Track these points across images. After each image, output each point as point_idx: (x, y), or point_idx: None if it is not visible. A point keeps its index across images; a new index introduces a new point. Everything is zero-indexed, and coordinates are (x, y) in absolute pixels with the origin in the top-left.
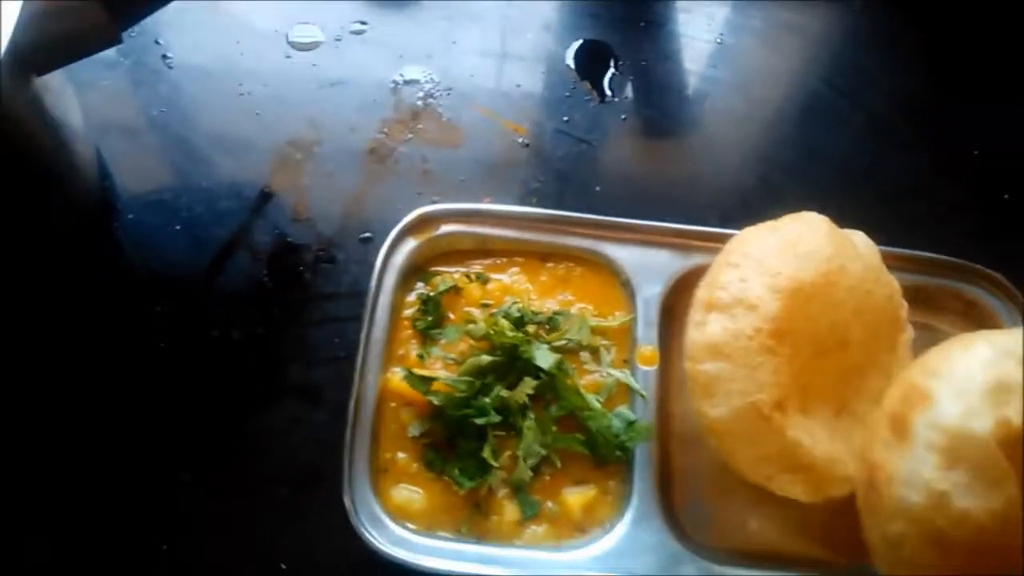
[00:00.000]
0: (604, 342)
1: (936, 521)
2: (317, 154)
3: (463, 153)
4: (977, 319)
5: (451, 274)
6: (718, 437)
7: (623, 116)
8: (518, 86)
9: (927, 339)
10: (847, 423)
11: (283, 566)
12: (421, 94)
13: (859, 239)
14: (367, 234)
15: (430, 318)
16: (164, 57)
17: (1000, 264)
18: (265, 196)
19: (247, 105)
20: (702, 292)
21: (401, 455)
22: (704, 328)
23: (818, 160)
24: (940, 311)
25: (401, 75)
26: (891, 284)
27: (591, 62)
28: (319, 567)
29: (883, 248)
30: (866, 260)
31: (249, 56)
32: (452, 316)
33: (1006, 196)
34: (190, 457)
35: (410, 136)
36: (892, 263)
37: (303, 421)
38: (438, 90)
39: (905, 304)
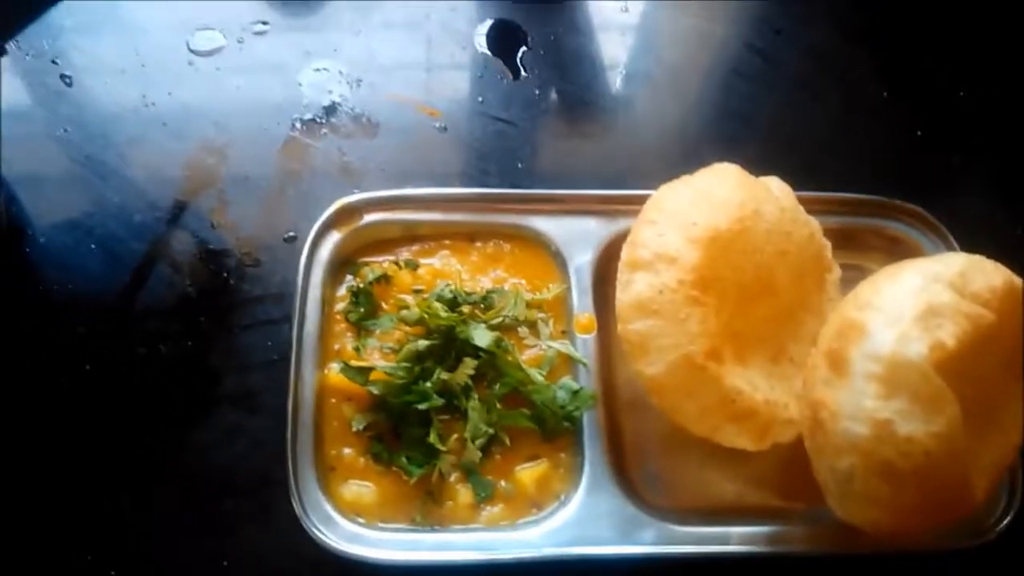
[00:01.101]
0: (541, 315)
1: (883, 451)
2: (230, 158)
3: (380, 142)
4: (902, 253)
5: (380, 263)
6: (659, 395)
7: (537, 91)
8: (429, 71)
9: (856, 278)
10: (786, 367)
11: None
12: (331, 88)
13: (773, 183)
14: (290, 233)
15: (362, 309)
16: (63, 77)
17: (920, 197)
18: (180, 205)
19: (153, 116)
20: (625, 253)
21: (347, 451)
22: (630, 288)
23: (736, 117)
24: (866, 249)
25: (309, 72)
26: (810, 224)
27: (501, 41)
28: (271, 573)
29: (803, 193)
30: (781, 202)
31: (151, 67)
32: (385, 305)
33: (919, 133)
34: (130, 479)
35: (324, 131)
36: (813, 207)
37: (243, 429)
38: (348, 82)
39: (828, 243)
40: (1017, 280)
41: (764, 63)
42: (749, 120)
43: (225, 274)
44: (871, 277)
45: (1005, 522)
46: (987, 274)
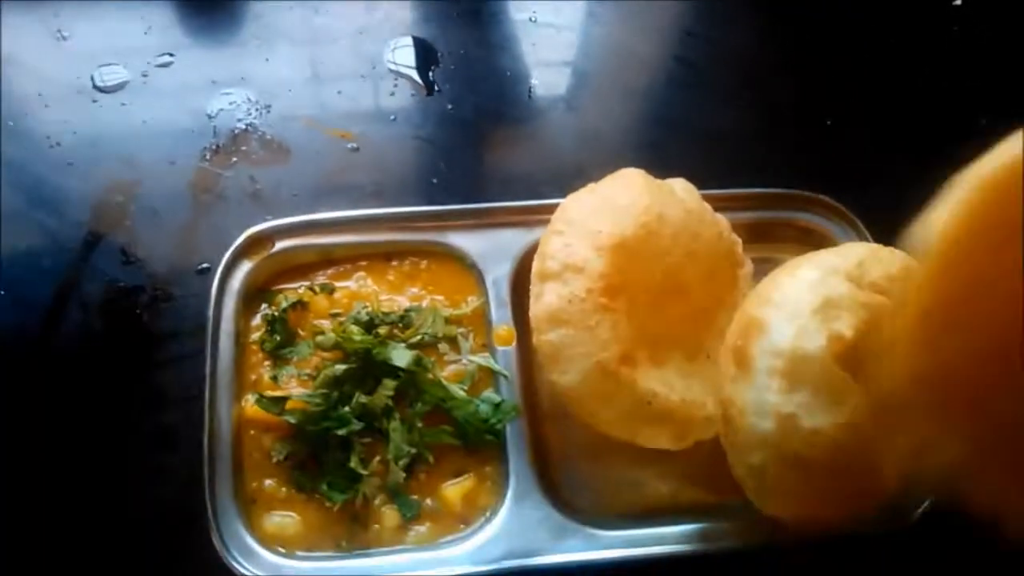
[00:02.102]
0: (461, 330)
1: (791, 444)
2: (139, 194)
3: (292, 169)
4: (814, 243)
5: (295, 290)
6: (575, 403)
7: (450, 106)
8: (339, 93)
9: (771, 270)
10: (703, 365)
11: None
12: (240, 116)
13: (678, 185)
14: (204, 265)
15: (278, 337)
16: None
17: (835, 187)
18: (89, 245)
19: (59, 156)
20: (535, 265)
21: (269, 482)
22: (541, 299)
23: (652, 121)
24: (779, 241)
25: (217, 101)
26: (718, 223)
27: (412, 58)
28: None
29: (713, 191)
30: (686, 204)
31: (55, 107)
32: (302, 332)
33: (828, 123)
34: (48, 526)
35: (234, 160)
36: (725, 204)
37: (163, 468)
38: (257, 109)
39: (738, 239)
40: (916, 264)
41: (678, 66)
42: (665, 124)
43: (138, 311)
44: (772, 273)
45: (924, 505)
46: (884, 262)
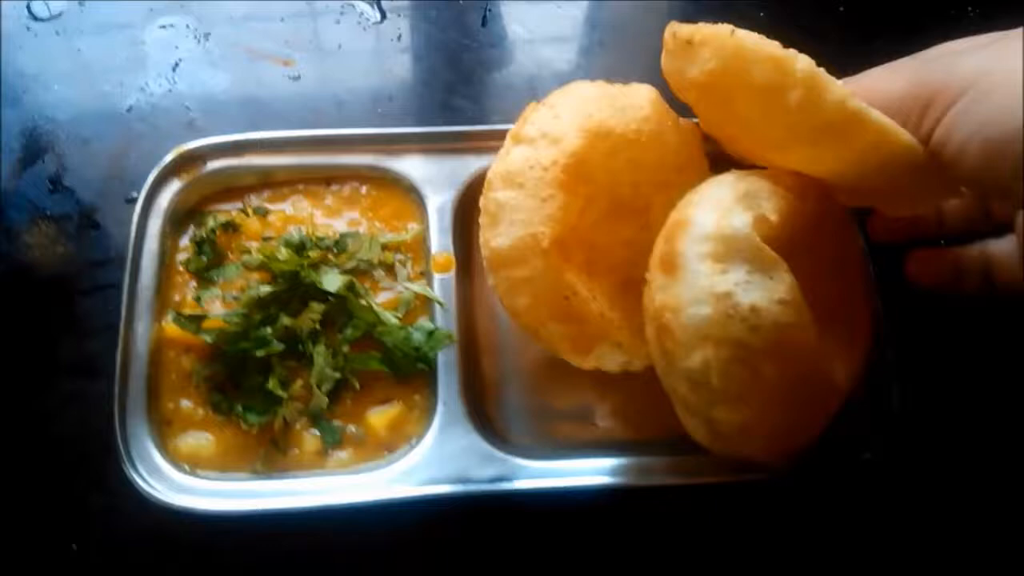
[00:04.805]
0: (399, 256)
1: (732, 330)
2: (70, 121)
3: (230, 98)
4: None
5: (228, 211)
6: (496, 270)
7: (400, 33)
8: (282, 20)
9: None
10: (632, 300)
11: (73, 546)
12: (178, 44)
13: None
14: (133, 194)
15: (205, 258)
16: None
17: None
18: (15, 172)
19: None
20: (514, 128)
21: (185, 403)
22: (505, 159)
23: (611, 48)
24: None
25: (154, 28)
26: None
27: None
28: (110, 537)
29: None
30: (686, 136)
31: None
32: (232, 256)
33: None
34: None
35: (170, 88)
36: None
37: (82, 395)
38: (196, 36)
39: None
40: None
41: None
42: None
43: (64, 240)
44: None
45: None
46: None
